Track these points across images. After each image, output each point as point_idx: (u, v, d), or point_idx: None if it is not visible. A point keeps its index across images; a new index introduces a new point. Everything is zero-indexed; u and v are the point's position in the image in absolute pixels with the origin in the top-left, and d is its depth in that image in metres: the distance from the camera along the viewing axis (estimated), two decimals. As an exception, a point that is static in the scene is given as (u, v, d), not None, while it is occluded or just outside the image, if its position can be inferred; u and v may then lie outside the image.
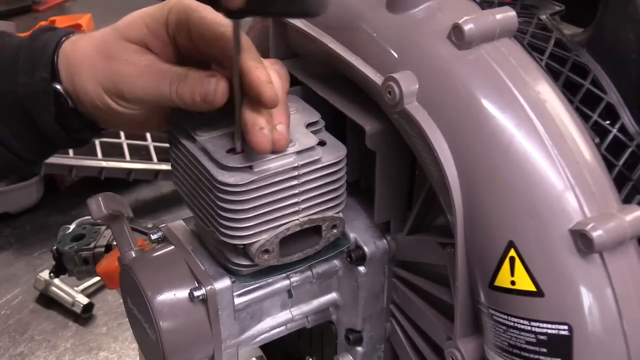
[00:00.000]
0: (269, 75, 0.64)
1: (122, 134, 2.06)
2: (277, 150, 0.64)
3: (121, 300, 0.81)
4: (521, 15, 0.80)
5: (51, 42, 0.69)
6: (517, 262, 0.58)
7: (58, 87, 0.68)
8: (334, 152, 0.69)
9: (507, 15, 0.62)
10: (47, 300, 1.68)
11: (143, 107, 0.69)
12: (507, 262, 0.58)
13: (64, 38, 0.70)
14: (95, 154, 1.96)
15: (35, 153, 0.74)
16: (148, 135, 2.09)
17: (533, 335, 0.58)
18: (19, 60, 0.69)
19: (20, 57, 0.69)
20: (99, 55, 0.67)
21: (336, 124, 0.75)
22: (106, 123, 0.73)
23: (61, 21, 2.78)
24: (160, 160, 2.01)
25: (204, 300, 0.71)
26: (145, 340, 0.75)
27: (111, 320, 1.64)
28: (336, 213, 0.71)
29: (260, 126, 0.63)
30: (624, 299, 0.57)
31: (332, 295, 0.80)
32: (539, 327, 0.58)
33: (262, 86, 0.62)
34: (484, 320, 0.62)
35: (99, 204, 0.75)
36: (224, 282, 0.72)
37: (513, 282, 0.58)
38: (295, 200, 0.68)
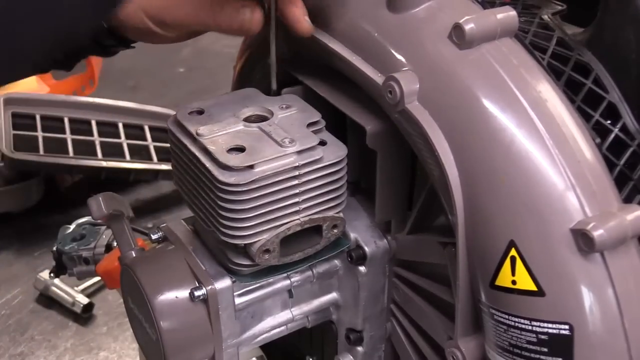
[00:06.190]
0: (302, 8, 0.70)
1: (122, 134, 2.05)
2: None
3: (121, 300, 0.81)
4: (523, 14, 0.80)
5: None
6: (518, 261, 0.58)
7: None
8: (335, 152, 0.69)
9: (508, 15, 0.62)
10: (47, 300, 1.68)
11: (183, 31, 0.73)
12: (508, 262, 0.58)
13: None
14: (95, 154, 1.96)
15: (70, 58, 0.77)
16: (148, 135, 2.09)
17: (534, 335, 0.58)
18: None
19: None
20: None
21: (337, 124, 0.75)
22: (143, 40, 0.75)
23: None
24: (161, 160, 2.01)
25: (204, 300, 0.71)
26: (146, 340, 0.75)
27: (111, 320, 1.63)
28: (337, 213, 0.71)
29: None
30: (625, 298, 0.57)
31: (333, 295, 0.80)
32: (539, 326, 0.58)
33: (297, 23, 0.70)
34: (484, 320, 0.62)
35: (99, 203, 0.75)
36: (225, 282, 0.72)
37: (514, 282, 0.58)
38: (296, 200, 0.68)
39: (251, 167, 0.65)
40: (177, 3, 0.69)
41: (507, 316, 0.59)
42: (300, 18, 0.70)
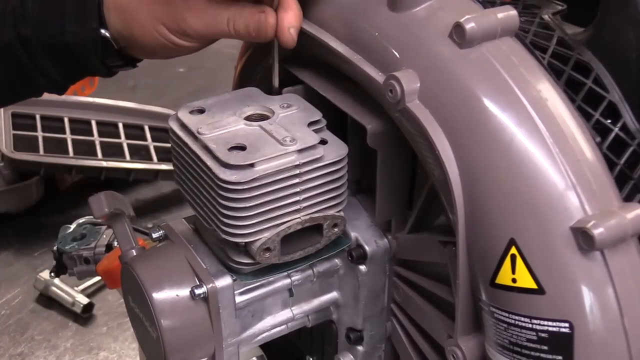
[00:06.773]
0: (295, 18, 0.70)
1: (122, 134, 2.06)
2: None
3: (121, 300, 0.82)
4: (523, 14, 0.80)
5: None
6: (518, 259, 0.58)
7: (105, 33, 0.73)
8: (336, 151, 0.69)
9: (508, 14, 0.62)
10: (47, 300, 1.68)
11: (204, 40, 0.74)
12: (508, 260, 0.58)
13: None
14: (95, 154, 1.96)
15: (70, 80, 0.80)
16: (148, 135, 2.09)
17: (534, 333, 0.59)
18: (66, 5, 0.72)
19: (66, 2, 0.72)
20: (152, 0, 0.71)
21: (338, 123, 0.75)
22: (158, 54, 0.76)
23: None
24: (160, 160, 2.01)
25: (205, 298, 0.71)
26: (147, 339, 0.75)
27: (111, 320, 1.64)
28: (337, 212, 0.71)
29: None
30: (625, 297, 0.57)
31: (333, 294, 0.80)
32: (540, 324, 0.58)
33: (280, 31, 0.70)
34: (485, 318, 0.62)
35: (100, 202, 0.76)
36: (225, 281, 0.72)
37: (514, 280, 0.58)
38: (297, 198, 0.68)
39: (252, 165, 0.65)
40: (195, 14, 0.70)
41: (507, 314, 0.60)
42: (284, 27, 0.69)
